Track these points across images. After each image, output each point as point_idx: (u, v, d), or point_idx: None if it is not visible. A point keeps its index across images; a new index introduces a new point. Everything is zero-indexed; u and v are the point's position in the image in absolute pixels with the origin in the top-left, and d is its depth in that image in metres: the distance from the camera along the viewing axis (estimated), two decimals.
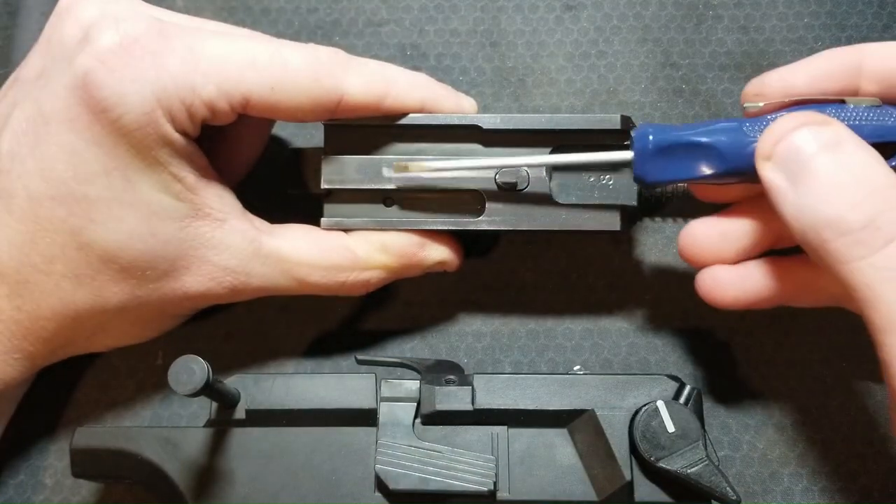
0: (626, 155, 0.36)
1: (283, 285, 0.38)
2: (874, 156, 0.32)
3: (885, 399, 0.40)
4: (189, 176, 0.36)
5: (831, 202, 0.31)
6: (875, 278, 0.30)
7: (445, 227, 0.39)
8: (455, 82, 0.45)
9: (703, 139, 0.35)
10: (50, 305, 0.36)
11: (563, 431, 0.36)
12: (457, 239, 0.41)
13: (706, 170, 0.35)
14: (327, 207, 0.40)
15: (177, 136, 0.35)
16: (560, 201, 0.39)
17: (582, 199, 0.39)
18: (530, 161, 0.38)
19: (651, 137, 0.36)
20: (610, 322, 0.42)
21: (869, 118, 0.35)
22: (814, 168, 0.32)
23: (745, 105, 0.36)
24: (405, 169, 0.38)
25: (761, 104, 0.36)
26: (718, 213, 0.38)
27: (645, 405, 0.35)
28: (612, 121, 0.38)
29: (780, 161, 0.33)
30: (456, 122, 0.39)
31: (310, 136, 0.45)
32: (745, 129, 0.35)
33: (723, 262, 0.37)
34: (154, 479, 0.36)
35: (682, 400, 0.36)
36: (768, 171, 0.33)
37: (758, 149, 0.34)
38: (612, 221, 0.38)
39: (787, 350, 0.41)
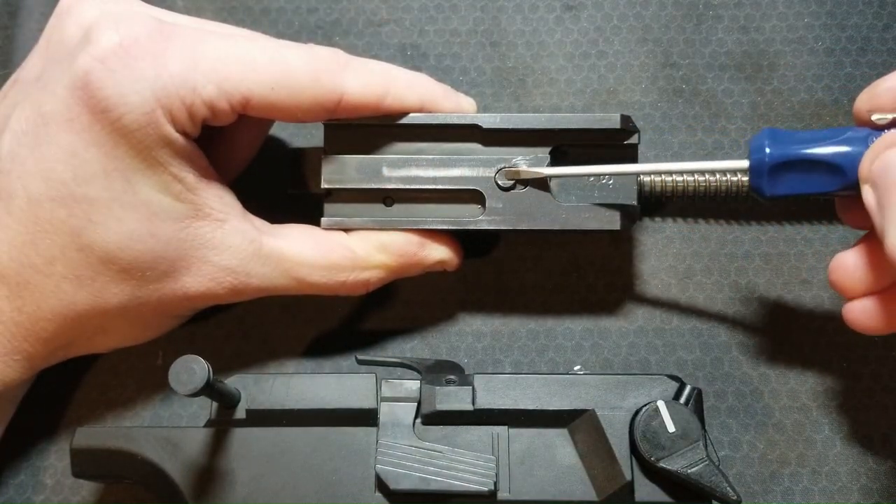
0: (742, 164, 0.35)
1: (283, 285, 0.38)
2: None
3: (885, 399, 0.41)
4: (189, 176, 0.36)
5: None
6: None
7: (445, 227, 0.39)
8: (455, 82, 0.45)
9: (824, 156, 0.33)
10: (50, 307, 0.36)
11: (564, 431, 0.36)
12: (457, 239, 0.41)
13: (827, 184, 0.33)
14: (327, 207, 0.40)
15: (177, 137, 0.35)
16: (560, 201, 0.39)
17: (582, 198, 0.39)
18: (656, 168, 0.38)
19: (768, 150, 0.34)
20: (610, 322, 0.42)
21: None
22: None
23: (874, 117, 0.33)
24: (516, 175, 0.38)
25: (890, 116, 0.33)
26: (865, 240, 0.35)
27: (645, 405, 0.35)
28: (612, 120, 0.38)
29: (873, 180, 0.31)
30: (456, 121, 0.39)
31: (310, 136, 0.45)
32: (868, 142, 0.33)
33: (874, 290, 0.34)
34: (154, 479, 0.36)
35: (682, 400, 0.36)
36: (864, 191, 0.31)
37: (860, 168, 0.32)
38: (612, 221, 0.38)
39: (787, 350, 0.41)
